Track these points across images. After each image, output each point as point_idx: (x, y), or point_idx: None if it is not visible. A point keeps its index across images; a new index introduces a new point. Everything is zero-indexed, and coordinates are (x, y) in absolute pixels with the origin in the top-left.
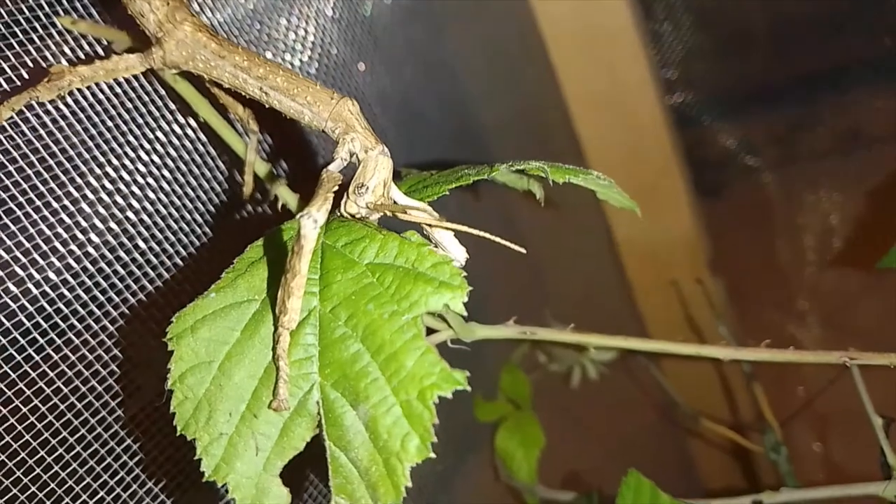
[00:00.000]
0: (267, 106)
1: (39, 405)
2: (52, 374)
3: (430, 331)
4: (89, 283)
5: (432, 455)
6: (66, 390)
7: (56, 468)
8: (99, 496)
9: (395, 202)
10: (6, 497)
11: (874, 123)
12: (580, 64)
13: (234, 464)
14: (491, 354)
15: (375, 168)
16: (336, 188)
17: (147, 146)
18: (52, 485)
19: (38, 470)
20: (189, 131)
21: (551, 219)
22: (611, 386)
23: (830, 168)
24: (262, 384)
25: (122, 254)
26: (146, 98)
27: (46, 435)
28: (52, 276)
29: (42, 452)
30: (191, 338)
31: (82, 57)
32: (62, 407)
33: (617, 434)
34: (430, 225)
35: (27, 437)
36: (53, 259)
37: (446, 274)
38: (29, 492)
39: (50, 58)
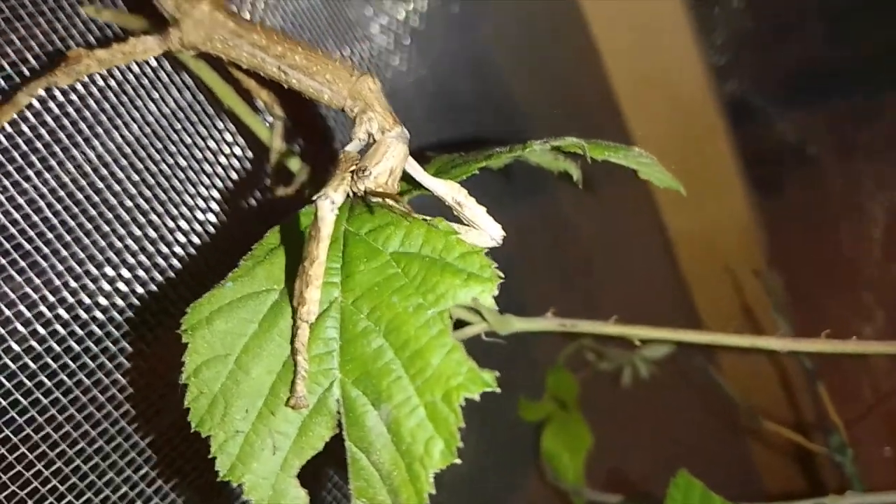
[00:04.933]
0: (286, 86)
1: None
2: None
3: (463, 323)
4: (113, 273)
5: (458, 461)
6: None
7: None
8: None
9: (400, 192)
10: None
11: None
12: (626, 48)
13: (251, 463)
14: (538, 353)
15: (385, 153)
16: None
17: (174, 136)
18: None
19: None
20: (217, 121)
21: (601, 210)
22: (663, 385)
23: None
24: (280, 380)
25: (146, 245)
26: (171, 86)
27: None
28: (74, 266)
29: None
30: (206, 330)
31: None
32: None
33: (670, 435)
34: (458, 204)
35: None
36: (77, 249)
37: (476, 265)
38: None
39: (74, 47)
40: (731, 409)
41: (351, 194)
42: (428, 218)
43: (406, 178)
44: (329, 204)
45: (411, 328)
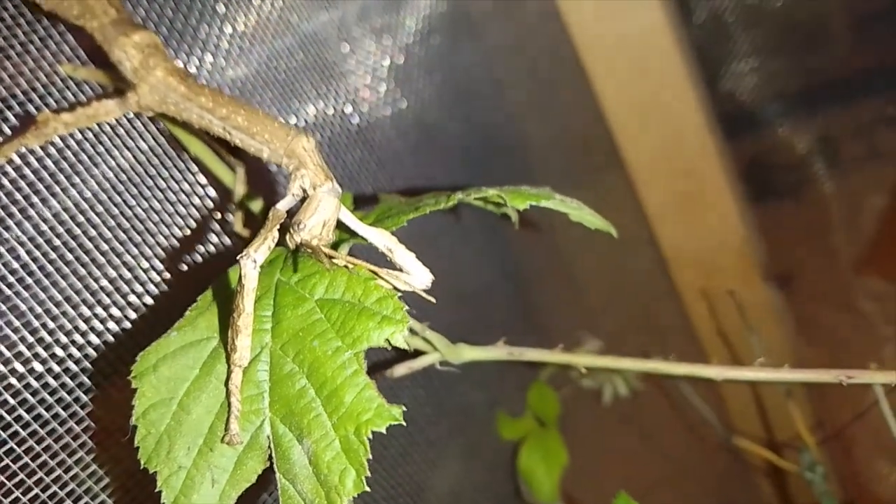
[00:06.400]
0: (232, 145)
1: None
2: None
3: (417, 353)
4: (89, 312)
5: (367, 489)
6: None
7: None
8: None
9: (335, 243)
10: None
11: None
12: (614, 70)
13: (192, 495)
14: (523, 370)
15: (317, 207)
16: (279, 226)
17: (148, 182)
18: None
19: None
20: (191, 165)
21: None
22: (643, 403)
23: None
24: (218, 419)
25: (121, 285)
26: (146, 134)
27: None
28: (52, 308)
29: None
30: (153, 376)
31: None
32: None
33: (648, 452)
34: (389, 250)
35: None
36: (54, 292)
37: (389, 308)
38: None
39: (54, 104)
40: (705, 426)
41: (292, 247)
42: (351, 265)
43: (344, 227)
44: (251, 262)
45: (329, 369)
